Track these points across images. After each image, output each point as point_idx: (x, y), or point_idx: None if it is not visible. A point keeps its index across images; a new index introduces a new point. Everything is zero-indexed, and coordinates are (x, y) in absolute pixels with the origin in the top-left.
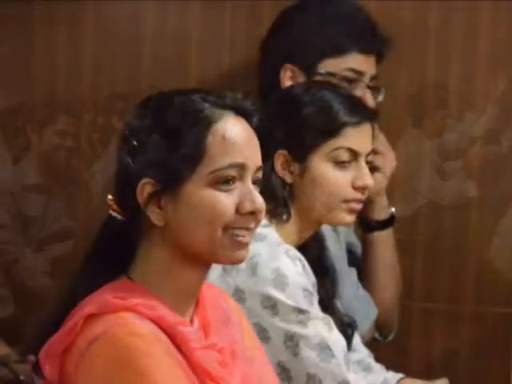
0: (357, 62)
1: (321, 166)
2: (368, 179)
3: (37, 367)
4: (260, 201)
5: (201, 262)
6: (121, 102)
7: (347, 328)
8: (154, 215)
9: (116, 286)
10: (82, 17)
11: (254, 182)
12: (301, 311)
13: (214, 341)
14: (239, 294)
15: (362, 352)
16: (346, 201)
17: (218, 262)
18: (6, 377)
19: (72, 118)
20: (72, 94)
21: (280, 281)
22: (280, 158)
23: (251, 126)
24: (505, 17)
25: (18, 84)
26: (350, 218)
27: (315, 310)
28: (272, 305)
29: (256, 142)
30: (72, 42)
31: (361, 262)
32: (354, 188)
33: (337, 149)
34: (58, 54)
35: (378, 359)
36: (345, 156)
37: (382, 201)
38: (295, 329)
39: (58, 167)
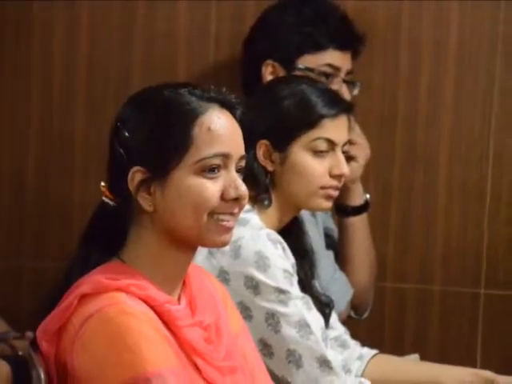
0: (334, 58)
1: (300, 155)
2: (344, 168)
3: (34, 344)
4: (243, 188)
5: (188, 245)
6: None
7: (325, 307)
8: (144, 201)
9: (109, 267)
10: (77, 17)
11: (238, 171)
12: (281, 291)
13: (200, 319)
14: (224, 275)
15: (338, 329)
16: (324, 188)
17: (203, 245)
18: (5, 352)
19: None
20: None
21: (262, 263)
22: (262, 148)
23: (235, 117)
24: (472, 16)
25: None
26: (327, 204)
27: (295, 290)
28: (254, 285)
29: (239, 133)
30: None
31: (337, 246)
32: (331, 176)
33: (315, 139)
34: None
35: (353, 336)
36: (323, 146)
37: (357, 188)
38: (276, 307)
39: None
